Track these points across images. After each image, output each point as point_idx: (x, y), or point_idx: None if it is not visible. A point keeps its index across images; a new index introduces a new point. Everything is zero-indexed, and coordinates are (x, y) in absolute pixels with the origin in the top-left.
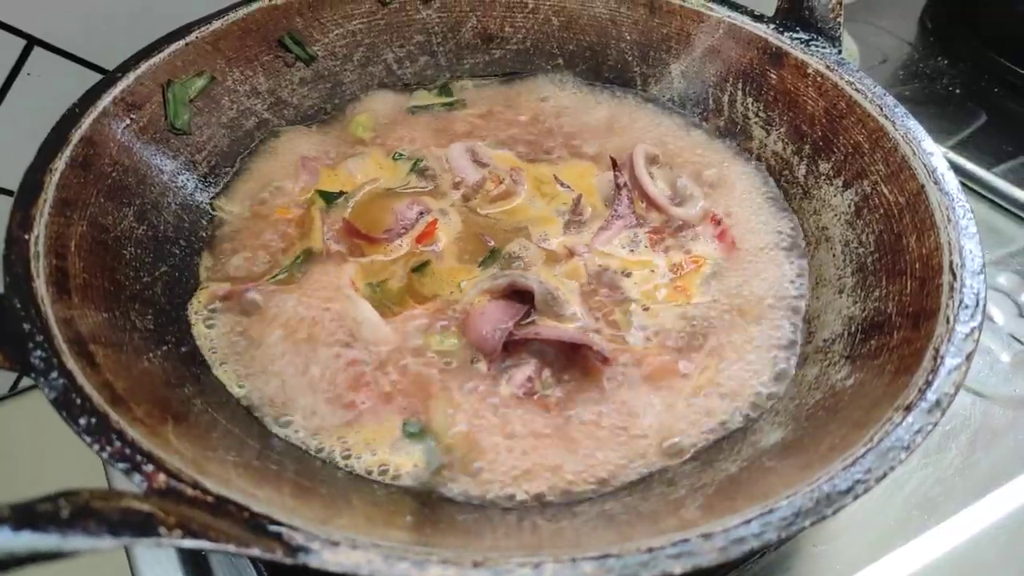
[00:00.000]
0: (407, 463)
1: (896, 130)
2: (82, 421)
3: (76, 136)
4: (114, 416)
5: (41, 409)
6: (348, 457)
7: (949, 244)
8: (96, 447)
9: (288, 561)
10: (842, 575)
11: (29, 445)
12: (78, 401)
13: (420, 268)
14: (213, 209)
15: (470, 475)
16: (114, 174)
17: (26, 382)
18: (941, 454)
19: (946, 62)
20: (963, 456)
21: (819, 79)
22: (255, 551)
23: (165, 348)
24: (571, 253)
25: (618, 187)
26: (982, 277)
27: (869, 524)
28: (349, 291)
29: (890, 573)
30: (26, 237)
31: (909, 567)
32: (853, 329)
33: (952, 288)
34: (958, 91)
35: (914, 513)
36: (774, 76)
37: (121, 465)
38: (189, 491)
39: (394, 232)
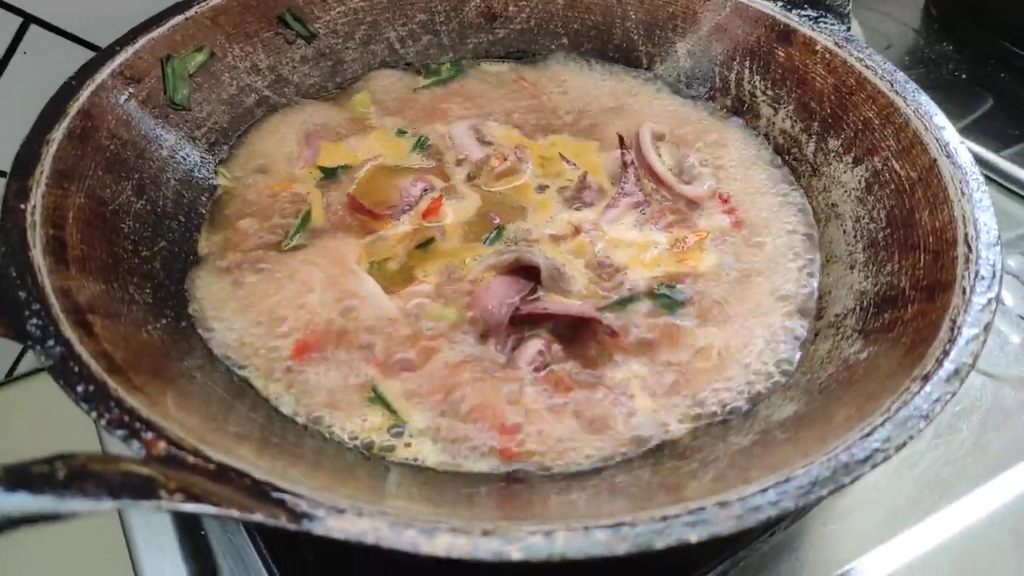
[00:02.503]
0: (415, 436)
1: (907, 106)
2: (79, 388)
3: (74, 108)
4: (112, 384)
5: (36, 397)
6: (352, 431)
7: (963, 217)
8: (94, 414)
9: (292, 527)
10: (853, 554)
11: (24, 432)
12: (76, 369)
13: (424, 245)
14: (213, 185)
15: (478, 448)
16: (112, 147)
17: (22, 369)
18: (952, 435)
19: (951, 47)
20: (974, 437)
21: (828, 56)
22: (258, 517)
23: (164, 321)
24: (577, 230)
25: (625, 165)
26: (998, 248)
27: (880, 504)
28: (353, 266)
29: (901, 553)
30: (22, 207)
31: (920, 547)
32: (865, 304)
33: (967, 260)
34: (964, 76)
35: (925, 493)
36: (782, 54)
37: (119, 432)
38: (190, 459)
39: (399, 208)
